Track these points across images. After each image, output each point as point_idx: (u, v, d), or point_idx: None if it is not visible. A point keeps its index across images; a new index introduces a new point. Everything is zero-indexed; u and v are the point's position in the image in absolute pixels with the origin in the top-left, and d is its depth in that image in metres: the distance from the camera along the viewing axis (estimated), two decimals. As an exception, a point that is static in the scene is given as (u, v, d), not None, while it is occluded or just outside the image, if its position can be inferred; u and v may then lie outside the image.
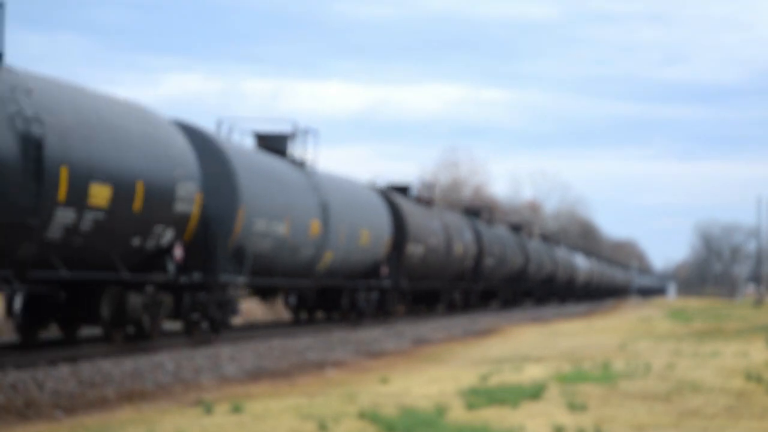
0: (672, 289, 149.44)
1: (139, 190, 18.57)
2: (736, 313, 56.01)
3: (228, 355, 19.80)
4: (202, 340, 21.80)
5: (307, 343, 23.65)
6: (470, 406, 12.91)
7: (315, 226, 27.21)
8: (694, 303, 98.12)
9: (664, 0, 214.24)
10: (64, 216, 16.62)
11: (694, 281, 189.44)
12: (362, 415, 11.99)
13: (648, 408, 13.13)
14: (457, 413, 12.41)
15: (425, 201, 41.98)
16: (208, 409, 12.70)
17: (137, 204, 18.55)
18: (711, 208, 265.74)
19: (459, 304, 46.97)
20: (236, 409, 12.68)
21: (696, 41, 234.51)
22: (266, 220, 23.93)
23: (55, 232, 16.53)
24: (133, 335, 19.85)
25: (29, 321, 19.03)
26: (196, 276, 21.31)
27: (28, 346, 18.93)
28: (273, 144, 27.96)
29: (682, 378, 16.70)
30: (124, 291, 19.16)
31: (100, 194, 17.39)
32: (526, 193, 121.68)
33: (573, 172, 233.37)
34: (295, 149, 28.49)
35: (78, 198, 16.82)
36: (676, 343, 26.38)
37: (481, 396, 13.94)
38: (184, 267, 20.69)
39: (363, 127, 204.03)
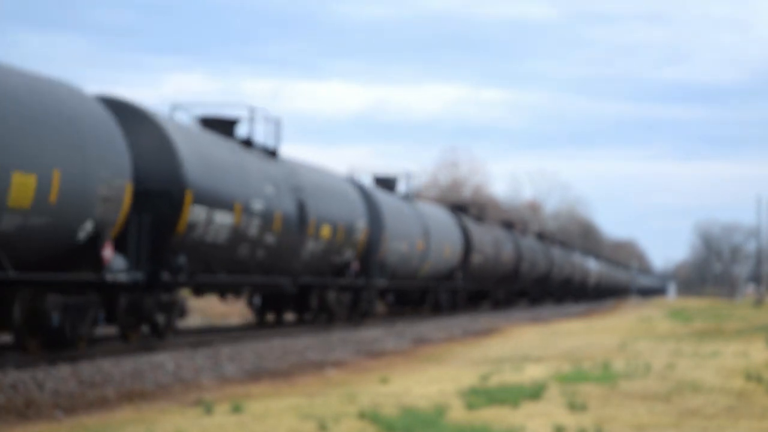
0: (672, 289, 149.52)
1: (341, 227, 29.80)
2: (736, 313, 56.02)
3: (228, 355, 19.81)
4: (358, 323, 32.21)
5: (307, 343, 23.65)
6: (470, 406, 12.91)
7: (420, 244, 38.39)
8: (694, 303, 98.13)
9: (663, 0, 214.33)
10: (310, 245, 27.76)
11: (694, 281, 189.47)
12: (362, 415, 12.00)
13: (648, 408, 13.13)
14: (457, 413, 12.41)
15: (479, 218, 52.08)
16: (208, 409, 12.70)
17: (339, 236, 29.79)
18: (711, 208, 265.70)
19: (501, 300, 56.90)
20: (236, 409, 12.68)
21: (696, 41, 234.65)
22: (396, 242, 35.24)
23: (305, 255, 27.57)
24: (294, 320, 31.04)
25: (263, 309, 30.13)
26: (362, 281, 32.31)
27: (261, 325, 29.68)
28: (387, 184, 39.88)
29: (682, 378, 16.70)
30: (324, 290, 29.91)
31: (326, 232, 28.68)
32: (526, 193, 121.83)
33: (573, 172, 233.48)
34: (401, 186, 40.81)
35: (316, 235, 28.02)
36: (676, 343, 26.38)
37: (481, 396, 13.94)
38: (356, 275, 31.85)
39: (363, 127, 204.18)
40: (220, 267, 22.59)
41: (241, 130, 25.01)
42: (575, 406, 12.92)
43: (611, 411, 12.80)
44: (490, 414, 12.39)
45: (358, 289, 32.56)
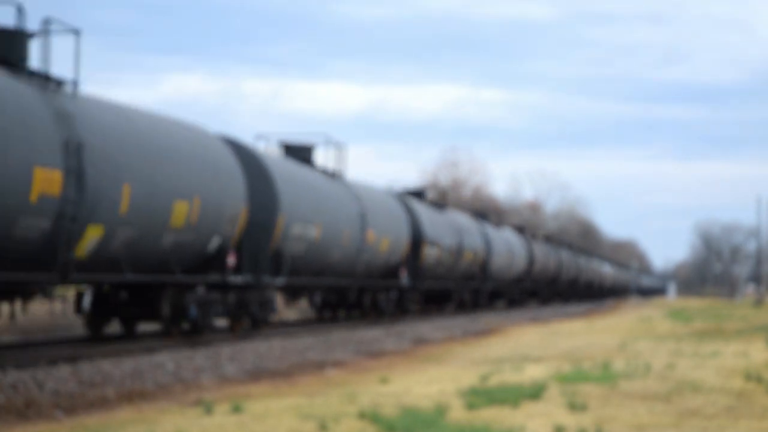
0: (672, 289, 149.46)
1: (474, 252, 46.16)
2: (736, 313, 56.01)
3: (228, 355, 19.80)
4: (478, 311, 49.13)
5: (307, 343, 23.64)
6: (470, 406, 12.91)
7: (509, 258, 55.02)
8: (694, 303, 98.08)
9: (663, 0, 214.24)
10: (462, 264, 43.58)
11: (694, 281, 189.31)
12: (362, 415, 11.99)
13: (648, 408, 13.13)
14: (458, 413, 12.41)
15: (534, 236, 69.91)
16: (208, 409, 12.70)
17: (473, 257, 45.96)
18: (711, 208, 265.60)
19: (546, 298, 73.04)
20: (236, 409, 12.68)
21: (696, 41, 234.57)
22: (497, 257, 51.70)
23: (459, 269, 43.87)
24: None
25: (426, 302, 44.15)
26: (481, 284, 49.12)
27: (425, 312, 43.85)
28: (484, 217, 55.31)
29: (682, 378, 16.69)
30: (462, 290, 46.37)
31: (469, 256, 44.46)
32: (527, 193, 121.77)
33: (573, 172, 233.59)
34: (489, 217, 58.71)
35: (464, 258, 44.07)
36: (676, 343, 26.38)
37: (481, 396, 13.94)
38: (480, 280, 49.41)
39: (363, 127, 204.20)
40: (430, 278, 39.89)
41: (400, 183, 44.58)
42: (575, 406, 12.92)
43: (611, 411, 12.79)
44: (491, 414, 12.39)
45: (477, 290, 49.73)
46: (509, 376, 16.96)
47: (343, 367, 20.28)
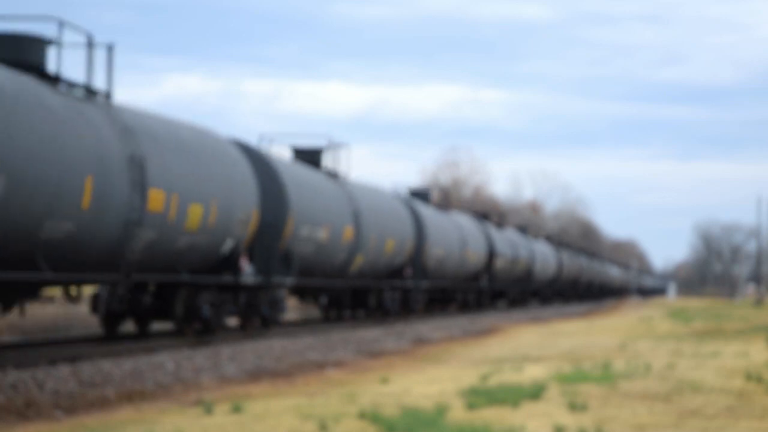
0: (672, 289, 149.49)
1: (524, 260, 60.18)
2: (737, 313, 56.00)
3: (228, 355, 19.80)
4: (528, 305, 65.19)
5: (307, 343, 23.64)
6: (470, 406, 12.90)
7: (544, 265, 67.70)
8: (694, 303, 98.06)
9: (662, 0, 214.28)
10: (516, 270, 59.10)
11: (695, 281, 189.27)
12: (362, 415, 11.99)
13: (648, 408, 13.13)
14: (458, 413, 12.41)
15: (560, 244, 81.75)
16: (208, 409, 12.70)
17: (523, 266, 60.78)
18: (711, 208, 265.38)
19: (569, 297, 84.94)
20: (236, 409, 12.68)
21: (694, 42, 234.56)
22: (539, 264, 65.68)
23: (515, 274, 58.60)
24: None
25: (492, 298, 57.73)
26: (527, 285, 63.27)
27: (493, 306, 57.30)
28: (523, 230, 67.74)
29: (683, 378, 16.69)
30: (513, 289, 60.35)
31: (521, 264, 59.70)
32: (527, 193, 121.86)
33: (573, 172, 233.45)
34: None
35: (518, 265, 59.31)
36: (677, 343, 26.37)
37: (481, 396, 13.94)
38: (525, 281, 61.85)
39: (363, 127, 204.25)
40: (497, 281, 52.74)
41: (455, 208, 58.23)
42: (575, 406, 12.91)
43: (611, 411, 12.79)
44: (491, 414, 12.38)
45: (524, 289, 63.21)
46: (509, 376, 16.96)
47: (344, 367, 20.28)
